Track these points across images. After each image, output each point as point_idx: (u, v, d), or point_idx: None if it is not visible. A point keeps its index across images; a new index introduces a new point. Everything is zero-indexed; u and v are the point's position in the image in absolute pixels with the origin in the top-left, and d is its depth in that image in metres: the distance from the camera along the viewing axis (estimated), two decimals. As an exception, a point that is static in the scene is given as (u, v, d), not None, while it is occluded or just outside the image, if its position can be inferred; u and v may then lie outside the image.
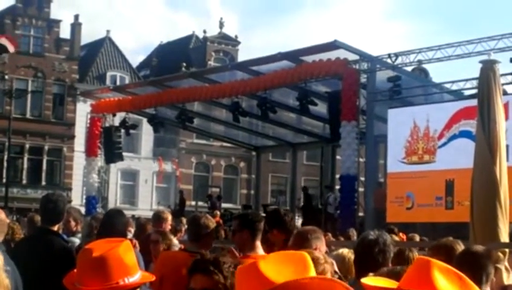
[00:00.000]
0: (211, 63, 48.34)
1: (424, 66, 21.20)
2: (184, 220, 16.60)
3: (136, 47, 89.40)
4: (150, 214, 13.94)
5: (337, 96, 21.12)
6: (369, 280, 2.02)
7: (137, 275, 2.92)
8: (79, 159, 40.62)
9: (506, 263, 5.97)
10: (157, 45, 56.83)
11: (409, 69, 21.44)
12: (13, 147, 40.54)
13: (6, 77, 39.87)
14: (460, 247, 5.24)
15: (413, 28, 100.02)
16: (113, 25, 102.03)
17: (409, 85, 20.99)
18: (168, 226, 8.91)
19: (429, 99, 21.45)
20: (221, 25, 52.11)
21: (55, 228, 6.07)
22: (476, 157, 10.26)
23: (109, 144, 28.48)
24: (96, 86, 41.91)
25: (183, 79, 26.82)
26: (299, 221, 23.34)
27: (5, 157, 40.56)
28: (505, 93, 15.00)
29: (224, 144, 41.21)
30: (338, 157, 26.02)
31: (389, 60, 20.56)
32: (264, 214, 6.97)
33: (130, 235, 8.38)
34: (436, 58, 20.05)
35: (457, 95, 21.00)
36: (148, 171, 48.16)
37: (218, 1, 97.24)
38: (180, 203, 31.90)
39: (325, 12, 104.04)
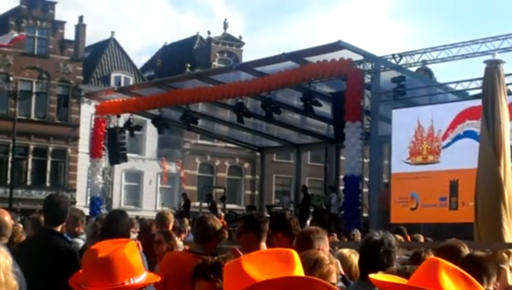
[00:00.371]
0: (215, 63, 48.33)
1: (429, 66, 21.21)
2: (187, 221, 16.66)
3: (140, 48, 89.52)
4: (154, 215, 13.78)
5: (342, 97, 21.12)
6: (379, 276, 2.05)
7: (143, 276, 2.92)
8: (83, 160, 40.60)
9: (511, 263, 5.97)
10: (162, 46, 56.83)
11: (413, 69, 21.43)
12: (18, 148, 40.58)
13: (11, 78, 40.01)
14: (464, 249, 5.26)
15: (417, 28, 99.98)
16: (118, 26, 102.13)
17: (413, 85, 20.98)
18: (171, 227, 8.92)
19: (433, 99, 21.41)
20: (225, 25, 52.16)
21: (58, 229, 6.07)
22: (481, 158, 10.26)
23: (113, 145, 28.50)
24: (101, 87, 41.98)
25: (187, 80, 26.82)
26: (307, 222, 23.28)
27: (10, 158, 40.69)
28: (509, 93, 14.91)
29: (229, 144, 41.21)
30: (342, 157, 26.05)
31: (393, 61, 20.56)
32: (268, 215, 6.97)
33: (133, 236, 8.39)
34: (440, 58, 20.04)
35: (462, 95, 20.97)
36: (152, 172, 48.15)
37: (223, 2, 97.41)
38: (185, 204, 31.88)
39: (329, 13, 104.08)
